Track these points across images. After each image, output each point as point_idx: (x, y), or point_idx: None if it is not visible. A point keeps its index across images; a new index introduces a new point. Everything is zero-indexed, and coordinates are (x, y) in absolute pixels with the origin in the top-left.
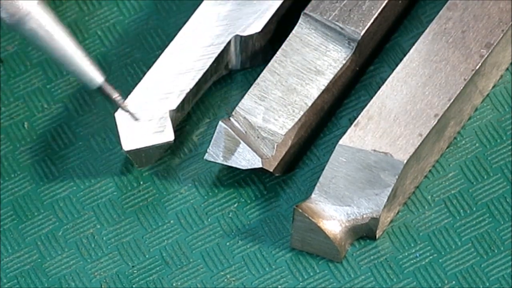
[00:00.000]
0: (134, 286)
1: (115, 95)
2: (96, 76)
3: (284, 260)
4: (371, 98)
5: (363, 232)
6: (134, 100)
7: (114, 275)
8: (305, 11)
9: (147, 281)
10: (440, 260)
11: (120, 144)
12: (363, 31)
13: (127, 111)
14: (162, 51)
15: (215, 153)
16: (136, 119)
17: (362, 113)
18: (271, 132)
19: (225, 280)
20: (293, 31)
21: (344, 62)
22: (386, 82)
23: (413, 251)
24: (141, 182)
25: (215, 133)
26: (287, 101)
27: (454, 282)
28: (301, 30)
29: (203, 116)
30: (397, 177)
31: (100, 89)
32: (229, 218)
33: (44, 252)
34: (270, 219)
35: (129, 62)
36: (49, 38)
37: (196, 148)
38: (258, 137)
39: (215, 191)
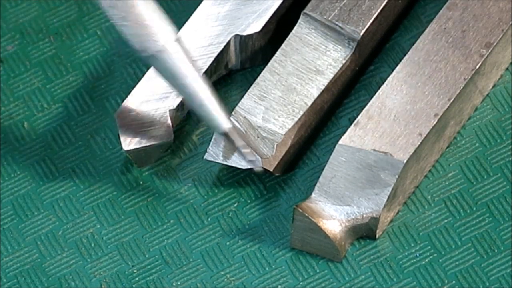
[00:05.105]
0: (134, 285)
1: (240, 143)
2: (223, 122)
3: (284, 259)
4: (371, 98)
5: (363, 232)
6: (134, 100)
7: (114, 275)
8: (305, 10)
9: (147, 280)
10: (440, 260)
11: (120, 144)
12: (363, 31)
13: (251, 161)
14: None
15: (215, 153)
16: (259, 169)
17: (362, 113)
18: (271, 132)
19: (225, 279)
20: (293, 31)
21: (344, 62)
22: (386, 82)
23: (413, 251)
24: (141, 182)
25: (215, 133)
26: (287, 101)
27: (454, 282)
28: (301, 30)
29: None
30: (397, 176)
31: (225, 135)
32: (229, 218)
33: (44, 252)
34: (270, 219)
35: (129, 62)
36: (180, 78)
37: (196, 148)
38: (258, 137)
39: (215, 191)
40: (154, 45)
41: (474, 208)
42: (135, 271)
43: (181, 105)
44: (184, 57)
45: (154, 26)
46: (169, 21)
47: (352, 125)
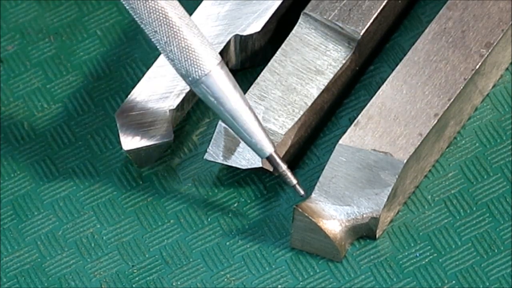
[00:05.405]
0: (134, 285)
1: (282, 168)
2: (267, 146)
3: (284, 259)
4: (371, 98)
5: (363, 232)
6: (134, 100)
7: (114, 275)
8: (305, 10)
9: (147, 280)
10: (440, 260)
11: (120, 144)
12: (363, 31)
13: (293, 186)
14: None
15: (215, 153)
16: (302, 195)
17: (362, 113)
18: (271, 132)
19: (225, 279)
20: (293, 31)
21: (344, 61)
22: (386, 82)
23: (413, 250)
24: (141, 182)
25: (215, 133)
26: (287, 101)
27: (454, 281)
28: (301, 30)
29: (203, 116)
30: (397, 176)
31: (268, 159)
32: (229, 218)
33: (44, 252)
34: (270, 219)
35: (128, 62)
36: (225, 101)
37: (196, 148)
38: None
39: (215, 191)
40: (200, 70)
41: (474, 208)
42: (135, 271)
43: (181, 105)
44: (228, 81)
45: (199, 50)
46: (211, 45)
47: (352, 125)
